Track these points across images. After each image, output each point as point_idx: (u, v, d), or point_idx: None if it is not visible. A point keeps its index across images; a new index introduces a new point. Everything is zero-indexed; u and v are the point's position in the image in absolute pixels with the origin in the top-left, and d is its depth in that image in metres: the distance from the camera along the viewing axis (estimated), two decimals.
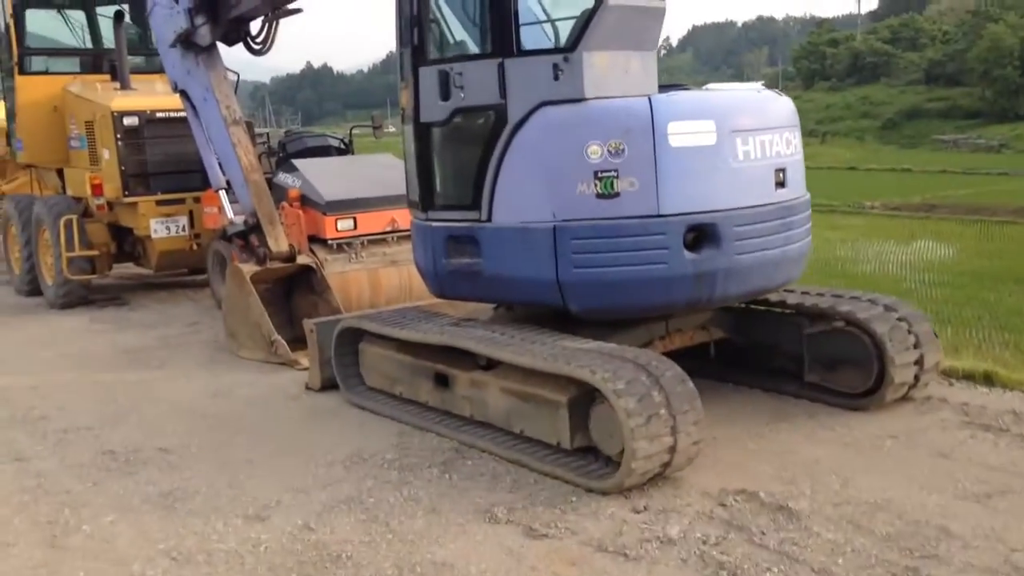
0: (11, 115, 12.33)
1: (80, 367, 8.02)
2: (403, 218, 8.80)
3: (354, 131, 10.83)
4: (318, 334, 6.82)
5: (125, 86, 11.14)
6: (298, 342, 7.89)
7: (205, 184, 10.10)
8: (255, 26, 8.19)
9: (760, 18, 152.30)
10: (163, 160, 10.66)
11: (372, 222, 8.74)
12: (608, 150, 5.11)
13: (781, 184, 5.40)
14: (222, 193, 8.84)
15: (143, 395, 7.05)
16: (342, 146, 10.55)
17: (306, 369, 7.30)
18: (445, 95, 5.56)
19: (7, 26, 11.59)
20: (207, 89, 8.38)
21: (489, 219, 5.48)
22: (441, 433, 5.71)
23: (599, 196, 5.14)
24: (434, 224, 5.78)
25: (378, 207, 8.79)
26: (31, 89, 11.66)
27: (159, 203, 10.61)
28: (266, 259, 8.17)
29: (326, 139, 10.68)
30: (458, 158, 5.74)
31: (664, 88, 5.57)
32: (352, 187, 8.92)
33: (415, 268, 8.73)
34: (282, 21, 8.10)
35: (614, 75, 5.33)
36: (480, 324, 5.81)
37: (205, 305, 10.57)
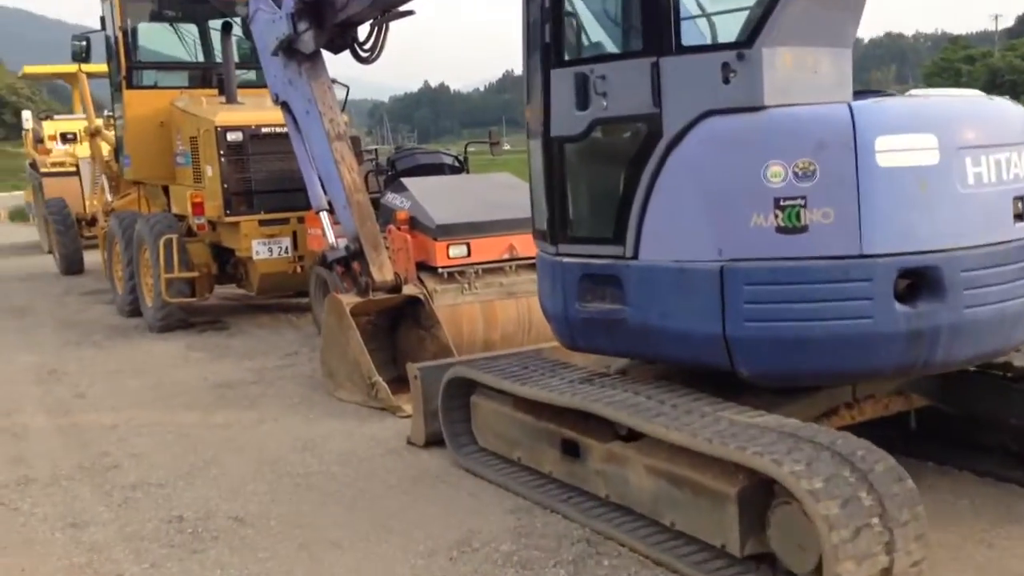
0: (119, 130, 11.86)
1: (166, 404, 7.22)
2: (523, 244, 7.77)
3: (469, 148, 9.87)
4: (423, 381, 5.81)
5: (231, 100, 10.47)
6: (402, 382, 6.93)
7: (310, 203, 9.34)
8: (363, 31, 7.31)
9: (888, 34, 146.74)
10: (267, 178, 9.91)
11: (488, 248, 7.73)
12: (794, 172, 3.93)
13: (1021, 216, 4.13)
14: (324, 215, 7.97)
15: (226, 443, 6.16)
16: (456, 164, 9.60)
17: (409, 417, 6.31)
18: (583, 103, 4.48)
19: (116, 39, 11.08)
20: (310, 101, 7.53)
21: (635, 256, 4.37)
22: (569, 516, 4.59)
23: (781, 230, 3.96)
24: (566, 260, 4.69)
25: (495, 232, 7.77)
26: (139, 104, 11.13)
27: (262, 223, 9.85)
28: (368, 289, 7.24)
29: (439, 156, 9.74)
30: (598, 180, 4.66)
31: (859, 95, 4.37)
32: (466, 209, 7.93)
33: (537, 303, 7.76)
34: (392, 32, 7.22)
35: (801, 77, 4.15)
36: (619, 383, 4.68)
37: (306, 332, 9.75)
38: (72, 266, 15.20)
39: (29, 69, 19.88)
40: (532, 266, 7.92)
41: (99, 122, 13.92)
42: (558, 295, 4.75)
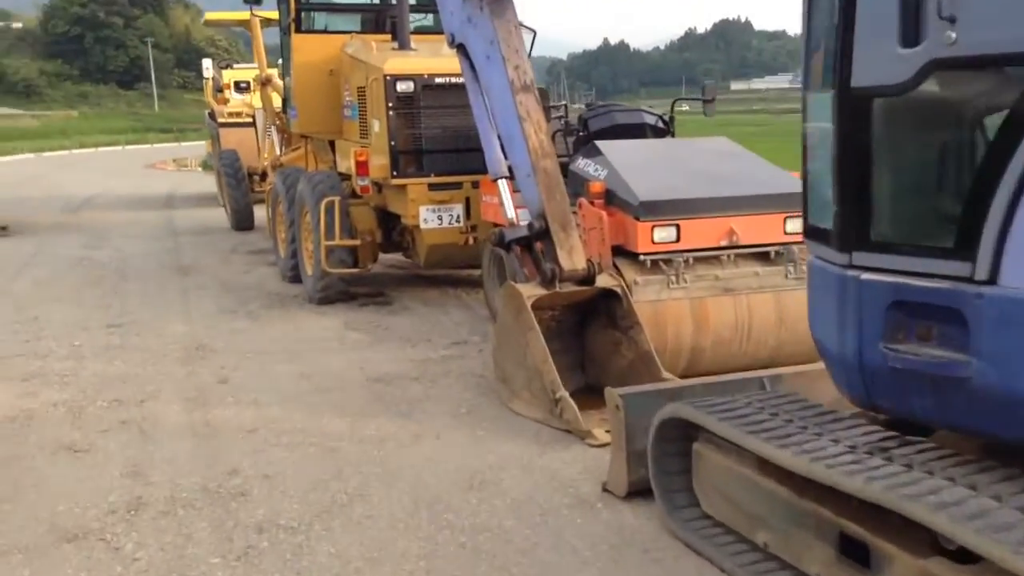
0: (287, 79, 10.92)
1: (313, 402, 6.10)
2: (745, 229, 6.21)
3: (676, 106, 8.27)
4: (627, 412, 4.39)
5: (404, 46, 9.25)
6: (592, 394, 5.59)
7: (486, 167, 8.08)
8: None
9: None
10: (439, 135, 8.66)
11: (702, 232, 6.17)
12: None
13: None
14: (502, 183, 6.62)
15: (377, 467, 4.95)
16: (661, 125, 8.03)
17: (603, 447, 4.93)
18: (912, 34, 2.88)
19: None
20: (491, 43, 6.15)
21: (992, 279, 2.77)
22: None
23: None
24: (865, 276, 3.12)
25: (710, 212, 6.21)
26: (308, 50, 10.09)
27: (431, 187, 8.62)
28: (555, 279, 5.85)
29: (641, 115, 8.16)
30: (930, 157, 3.06)
31: None
32: (676, 183, 6.39)
33: (760, 302, 6.15)
34: None
35: None
36: (940, 460, 3.10)
37: (478, 314, 8.50)
38: (242, 222, 14.60)
39: (211, 16, 19.47)
40: (756, 256, 6.34)
41: (272, 71, 13.08)
42: (848, 327, 3.18)
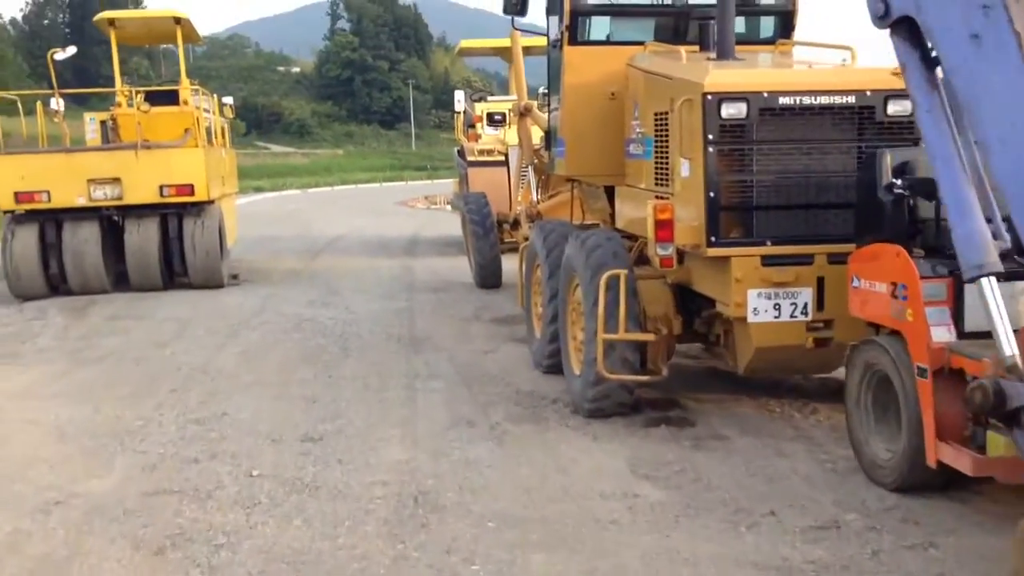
0: (553, 106, 8.33)
1: None
2: None
3: None
4: None
5: (725, 55, 6.38)
6: None
7: (854, 231, 5.13)
8: None
9: None
10: (780, 183, 5.71)
11: None
12: None
13: None
14: (987, 284, 3.53)
15: None
16: None
17: None
18: None
19: None
20: (985, 8, 3.12)
21: None
22: None
23: None
24: None
25: None
26: (583, 67, 7.45)
27: (766, 261, 5.65)
28: None
29: None
30: None
31: None
32: None
33: None
34: None
35: None
36: None
37: (851, 483, 5.30)
38: (487, 279, 12.17)
39: (466, 44, 17.60)
40: None
41: (532, 101, 10.58)
42: None
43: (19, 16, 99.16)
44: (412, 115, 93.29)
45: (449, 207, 37.10)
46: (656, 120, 6.47)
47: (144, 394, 7.32)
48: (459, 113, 17.28)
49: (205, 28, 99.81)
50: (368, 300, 11.78)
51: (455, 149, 17.90)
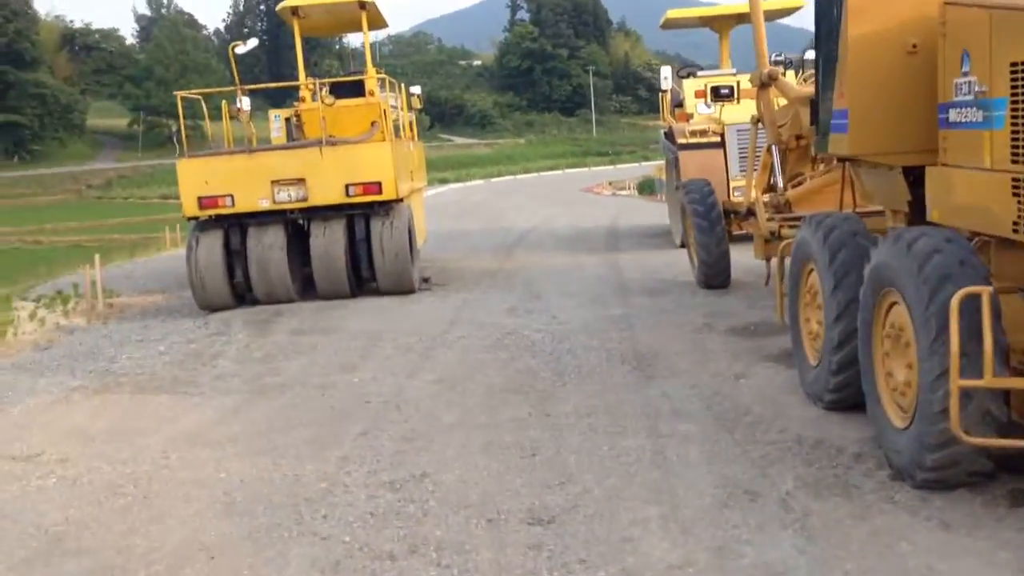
0: (826, 68, 6.38)
1: None
2: None
3: None
4: None
5: None
6: None
7: None
8: None
9: None
10: None
11: None
12: None
13: None
14: None
15: None
16: None
17: None
18: None
19: None
20: None
21: None
22: None
23: None
24: None
25: None
26: (874, 11, 5.49)
27: None
28: None
29: None
30: None
31: None
32: None
33: None
34: None
35: None
36: None
37: None
38: (714, 278, 10.30)
39: (673, 13, 15.64)
40: None
41: (776, 68, 8.58)
42: None
43: (222, 27, 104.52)
44: (592, 101, 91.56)
45: (635, 192, 35.21)
46: (1014, 73, 4.45)
47: (328, 440, 5.98)
48: (665, 92, 15.36)
49: (391, 28, 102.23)
50: (576, 306, 10.18)
51: (661, 132, 15.99)
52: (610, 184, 40.28)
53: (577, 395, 6.67)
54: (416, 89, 14.37)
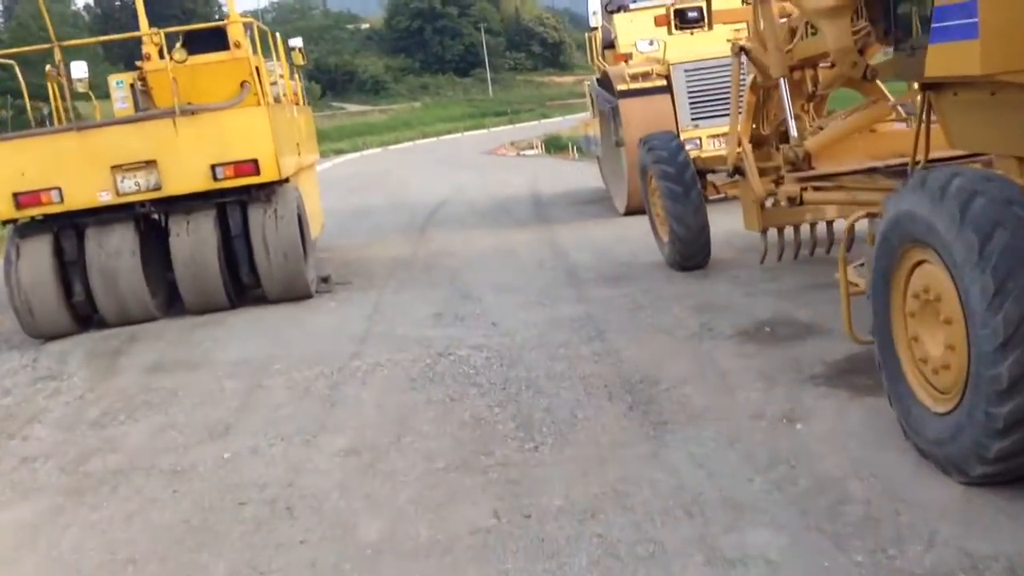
0: None
1: None
2: None
3: None
4: None
5: None
6: None
7: None
8: None
9: None
10: None
11: None
12: None
13: None
14: None
15: None
16: None
17: None
18: None
19: None
20: None
21: None
22: None
23: None
24: None
25: None
26: None
27: None
28: None
29: None
30: None
31: None
32: None
33: None
34: None
35: None
36: None
37: None
38: (692, 258, 7.99)
39: None
40: None
41: None
42: None
43: (91, 0, 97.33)
44: (487, 60, 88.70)
45: (545, 151, 32.93)
46: None
47: None
48: (595, 30, 12.93)
49: None
50: (520, 306, 7.81)
51: (592, 80, 13.55)
52: (512, 144, 37.96)
53: (561, 472, 4.33)
54: (296, 41, 11.61)
